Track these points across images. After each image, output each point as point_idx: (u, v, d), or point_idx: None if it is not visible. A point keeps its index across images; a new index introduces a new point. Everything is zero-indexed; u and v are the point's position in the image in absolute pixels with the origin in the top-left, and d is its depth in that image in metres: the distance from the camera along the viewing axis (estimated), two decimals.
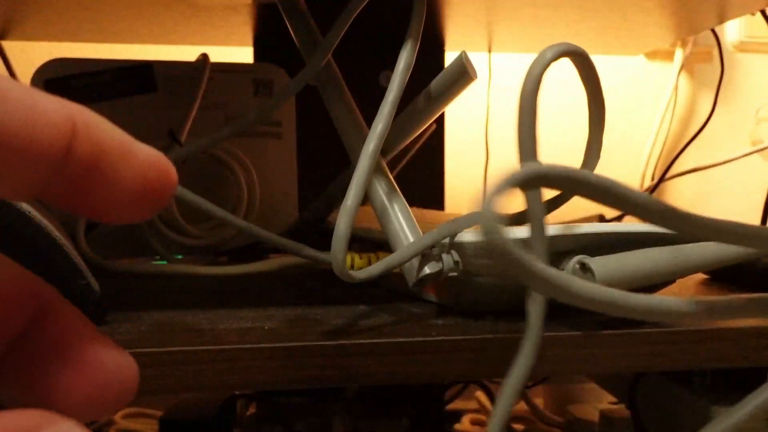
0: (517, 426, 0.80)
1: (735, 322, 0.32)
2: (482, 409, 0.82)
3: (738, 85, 0.96)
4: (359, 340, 0.28)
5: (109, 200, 0.14)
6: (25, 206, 0.28)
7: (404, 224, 0.32)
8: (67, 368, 0.15)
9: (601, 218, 0.77)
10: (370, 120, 0.33)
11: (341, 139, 0.36)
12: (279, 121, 0.58)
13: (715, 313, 0.22)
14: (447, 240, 0.31)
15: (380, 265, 0.28)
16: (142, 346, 0.27)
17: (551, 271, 0.17)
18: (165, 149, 0.51)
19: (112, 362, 0.15)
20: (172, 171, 0.15)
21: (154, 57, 0.57)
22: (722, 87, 0.88)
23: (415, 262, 0.31)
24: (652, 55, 0.93)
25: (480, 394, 0.82)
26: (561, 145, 0.92)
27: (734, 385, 0.41)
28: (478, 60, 0.85)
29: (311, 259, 0.38)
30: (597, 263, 0.29)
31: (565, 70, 0.81)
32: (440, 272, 0.31)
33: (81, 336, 0.15)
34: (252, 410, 0.61)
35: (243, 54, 0.70)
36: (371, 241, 0.37)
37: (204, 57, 0.55)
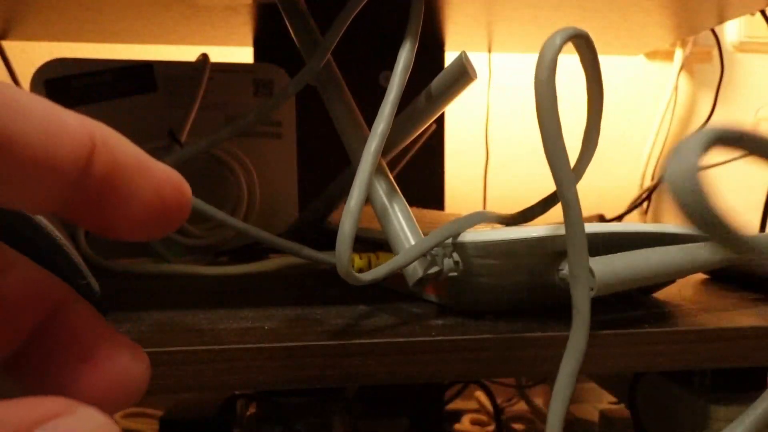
0: (517, 426, 0.80)
1: (735, 322, 0.32)
2: (482, 409, 0.82)
3: (738, 85, 0.96)
4: (359, 340, 0.28)
5: (125, 217, 0.14)
6: None
7: (405, 225, 0.32)
8: (83, 363, 0.15)
9: (601, 218, 0.77)
10: (369, 120, 0.33)
11: (341, 139, 0.36)
12: (279, 121, 0.58)
13: None
14: (449, 240, 0.31)
15: (386, 266, 0.28)
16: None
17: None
18: (165, 149, 0.51)
19: (126, 357, 0.16)
20: (186, 189, 0.15)
21: (154, 57, 0.57)
22: (722, 87, 0.88)
23: (416, 262, 0.31)
24: (652, 55, 0.93)
25: (480, 394, 0.82)
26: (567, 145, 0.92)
27: (734, 385, 0.41)
28: (478, 60, 0.85)
29: (311, 260, 0.38)
30: (597, 263, 0.29)
31: (561, 71, 0.81)
32: (440, 272, 0.31)
33: (96, 332, 0.16)
34: (252, 410, 0.61)
35: (243, 54, 0.70)
36: (371, 240, 0.37)
37: (204, 57, 0.55)
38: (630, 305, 0.35)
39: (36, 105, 0.13)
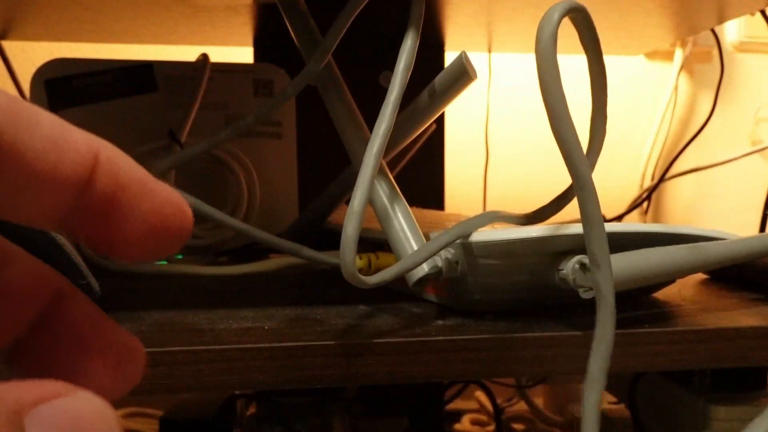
0: (517, 426, 0.80)
1: (735, 322, 0.32)
2: (482, 409, 0.82)
3: (738, 85, 0.96)
4: (359, 340, 0.28)
5: (126, 235, 0.14)
6: None
7: (407, 229, 0.32)
8: (85, 350, 0.16)
9: None
10: (369, 120, 0.33)
11: (341, 139, 0.36)
12: (279, 121, 0.58)
13: None
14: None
15: (393, 269, 0.28)
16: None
17: None
18: (165, 149, 0.51)
19: (125, 344, 0.16)
20: (188, 211, 0.15)
21: (154, 57, 0.57)
22: (722, 87, 0.88)
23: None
24: (652, 55, 0.93)
25: (480, 394, 0.82)
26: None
27: (734, 385, 0.41)
28: (478, 60, 0.85)
29: (311, 260, 0.38)
30: None
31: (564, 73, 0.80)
32: (440, 272, 0.31)
33: (95, 321, 0.16)
34: (252, 410, 0.61)
35: (243, 54, 0.70)
36: (370, 240, 0.37)
37: (204, 57, 0.55)
38: (630, 305, 0.35)
39: (44, 118, 0.13)
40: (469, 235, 0.31)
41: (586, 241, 0.26)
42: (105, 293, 0.31)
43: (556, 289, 0.31)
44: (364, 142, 0.34)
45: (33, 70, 0.53)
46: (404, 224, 0.32)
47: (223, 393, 0.56)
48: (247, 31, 0.64)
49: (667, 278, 0.34)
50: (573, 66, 0.89)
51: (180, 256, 0.52)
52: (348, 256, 0.27)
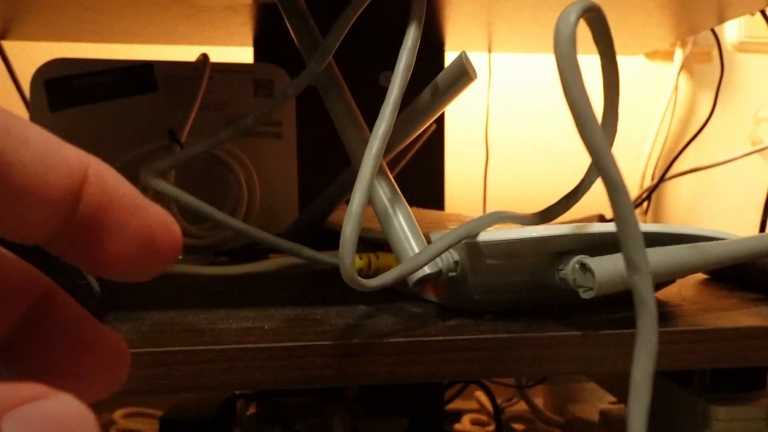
0: (517, 426, 0.80)
1: (735, 322, 0.32)
2: (482, 409, 0.82)
3: (738, 85, 0.96)
4: (359, 340, 0.28)
5: (113, 253, 0.14)
6: None
7: (407, 230, 0.32)
8: (70, 352, 0.16)
9: (601, 218, 0.77)
10: (369, 120, 0.33)
11: (341, 139, 0.36)
12: (279, 121, 0.58)
13: None
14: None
15: (393, 273, 0.28)
16: (142, 346, 0.27)
17: None
18: (165, 149, 0.51)
19: (110, 346, 0.16)
20: (177, 231, 0.15)
21: (154, 57, 0.57)
22: (722, 87, 0.88)
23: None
24: (652, 55, 0.93)
25: (480, 394, 0.82)
26: (567, 145, 0.92)
27: (734, 385, 0.41)
28: (478, 60, 0.85)
29: (311, 260, 0.38)
30: (597, 263, 0.29)
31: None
32: (440, 272, 0.31)
33: (80, 322, 0.16)
34: (252, 410, 0.61)
35: (243, 54, 0.70)
36: (370, 240, 0.37)
37: (204, 57, 0.55)
38: (630, 305, 0.35)
39: (33, 133, 0.13)
40: (475, 236, 0.30)
41: (621, 243, 0.25)
42: (105, 293, 0.31)
43: (556, 289, 0.31)
44: (364, 142, 0.34)
45: (33, 70, 0.53)
46: (405, 226, 0.32)
47: (223, 393, 0.56)
48: (247, 31, 0.64)
49: (667, 278, 0.34)
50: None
51: (180, 256, 0.52)
52: (347, 259, 0.27)
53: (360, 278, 0.27)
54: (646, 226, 0.34)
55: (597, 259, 0.29)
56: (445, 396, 0.70)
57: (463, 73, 0.34)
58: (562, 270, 0.30)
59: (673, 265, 0.31)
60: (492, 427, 0.79)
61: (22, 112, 0.73)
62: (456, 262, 0.31)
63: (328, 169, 0.53)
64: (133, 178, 0.47)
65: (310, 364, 0.28)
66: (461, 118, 0.89)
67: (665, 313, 0.34)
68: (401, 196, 0.33)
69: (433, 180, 0.70)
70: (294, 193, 0.58)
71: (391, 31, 0.62)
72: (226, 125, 0.56)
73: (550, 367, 0.30)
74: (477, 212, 0.88)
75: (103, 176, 0.14)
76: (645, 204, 0.92)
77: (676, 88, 0.93)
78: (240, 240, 0.52)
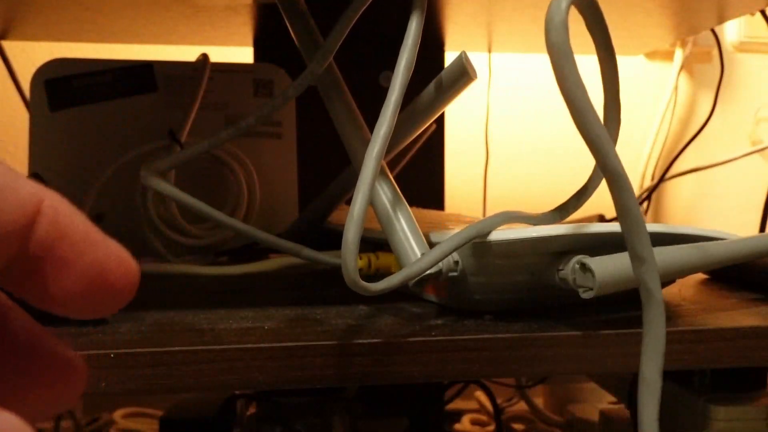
0: (517, 426, 0.80)
1: (735, 322, 0.32)
2: (482, 409, 0.82)
3: (738, 85, 0.96)
4: (359, 340, 0.28)
5: (65, 288, 0.14)
6: None
7: (409, 232, 0.32)
8: (23, 366, 0.15)
9: (601, 218, 0.77)
10: (369, 120, 0.33)
11: (342, 140, 0.36)
12: (279, 121, 0.58)
13: None
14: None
15: (398, 276, 0.28)
16: (142, 346, 0.27)
17: None
18: (165, 149, 0.51)
19: (65, 361, 0.16)
20: (133, 267, 0.15)
21: (154, 57, 0.57)
22: (722, 87, 0.88)
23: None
24: (652, 55, 0.93)
25: (480, 394, 0.82)
26: (568, 145, 0.92)
27: (734, 385, 0.41)
28: (478, 60, 0.85)
29: (311, 260, 0.38)
30: (597, 263, 0.29)
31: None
32: (440, 272, 0.31)
33: (34, 336, 0.16)
34: (252, 410, 0.61)
35: (243, 54, 0.70)
36: (370, 241, 0.37)
37: (204, 57, 0.55)
38: (630, 305, 0.35)
39: None
40: (484, 236, 0.30)
41: (626, 237, 0.25)
42: None
43: (556, 289, 0.31)
44: (365, 142, 0.34)
45: (33, 70, 0.53)
46: (406, 227, 0.32)
47: (223, 393, 0.56)
48: (247, 31, 0.64)
49: (668, 278, 0.34)
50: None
51: (180, 256, 0.52)
52: (350, 264, 0.26)
53: (363, 283, 0.27)
54: (647, 226, 0.34)
55: (597, 259, 0.29)
56: (445, 396, 0.70)
57: (463, 73, 0.34)
58: (562, 270, 0.30)
59: (674, 265, 0.31)
60: (492, 427, 0.79)
61: (22, 112, 0.73)
62: (456, 262, 0.31)
63: (328, 169, 0.53)
64: (133, 178, 0.48)
65: (310, 364, 0.28)
66: (461, 118, 0.89)
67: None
68: (402, 197, 0.33)
69: (433, 180, 0.70)
70: (294, 193, 0.58)
71: (391, 31, 0.62)
72: (226, 125, 0.56)
73: (550, 367, 0.30)
74: (477, 212, 0.88)
75: (58, 209, 0.14)
76: (645, 204, 0.92)
77: (676, 88, 0.93)
78: (240, 240, 0.52)
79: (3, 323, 0.15)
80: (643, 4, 0.54)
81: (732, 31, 0.93)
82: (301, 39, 0.37)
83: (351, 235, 0.27)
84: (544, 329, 0.30)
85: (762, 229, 0.75)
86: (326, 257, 0.38)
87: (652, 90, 0.94)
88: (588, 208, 0.76)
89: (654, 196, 0.94)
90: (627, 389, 0.46)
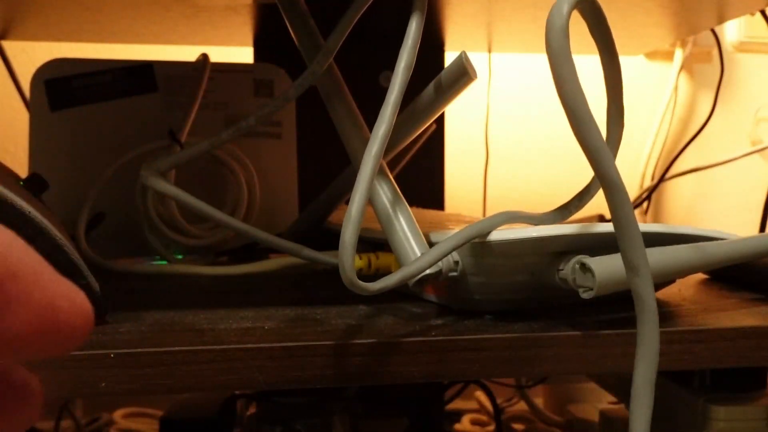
0: (517, 426, 0.80)
1: (735, 322, 0.32)
2: (482, 409, 0.82)
3: (738, 85, 0.96)
4: (359, 340, 0.28)
5: (13, 329, 0.13)
6: (26, 206, 0.28)
7: (408, 232, 0.32)
8: None
9: (601, 218, 0.77)
10: (369, 120, 0.33)
11: (342, 140, 0.36)
12: (279, 121, 0.58)
13: None
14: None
15: (396, 276, 0.28)
16: (142, 346, 0.27)
17: None
18: (165, 149, 0.51)
19: (17, 383, 0.15)
20: (87, 309, 0.15)
21: (154, 57, 0.57)
22: (722, 87, 0.88)
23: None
24: (652, 55, 0.93)
25: (480, 394, 0.82)
26: (567, 145, 0.92)
27: (734, 385, 0.41)
28: (478, 60, 0.85)
29: (311, 260, 0.38)
30: (597, 263, 0.29)
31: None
32: (440, 272, 0.31)
33: None
34: (252, 410, 0.61)
35: (243, 54, 0.70)
36: (370, 241, 0.37)
37: (204, 57, 0.55)
38: (630, 305, 0.35)
39: None
40: (484, 236, 0.30)
41: (620, 244, 0.25)
42: (105, 293, 0.31)
43: (556, 289, 0.31)
44: (364, 142, 0.34)
45: (33, 70, 0.53)
46: (406, 227, 0.32)
47: (223, 393, 0.56)
48: (247, 31, 0.64)
49: (667, 278, 0.34)
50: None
51: (180, 256, 0.52)
52: (347, 263, 0.26)
53: (361, 282, 0.27)
54: (646, 226, 0.34)
55: (597, 259, 0.29)
56: (445, 396, 0.70)
57: (463, 73, 0.34)
58: (562, 270, 0.30)
59: (673, 265, 0.31)
60: (492, 427, 0.79)
61: (22, 112, 0.73)
62: (456, 262, 0.31)
63: (328, 169, 0.53)
64: (133, 178, 0.48)
65: (310, 364, 0.28)
66: (461, 118, 0.89)
67: (665, 313, 0.34)
68: (402, 197, 0.33)
69: (433, 180, 0.70)
70: (294, 193, 0.58)
71: (391, 31, 0.62)
72: (226, 125, 0.56)
73: (550, 367, 0.30)
74: (477, 212, 0.88)
75: (9, 247, 0.13)
76: (645, 204, 0.92)
77: (676, 88, 0.93)
78: (240, 240, 0.52)
79: None
80: (643, 4, 0.54)
81: (732, 31, 0.93)
82: (301, 39, 0.37)
83: (348, 235, 0.27)
84: (544, 329, 0.30)
85: (762, 229, 0.75)
86: (326, 257, 0.38)
87: (652, 90, 0.94)
88: (588, 208, 0.76)
89: (654, 196, 0.94)
90: (627, 389, 0.46)
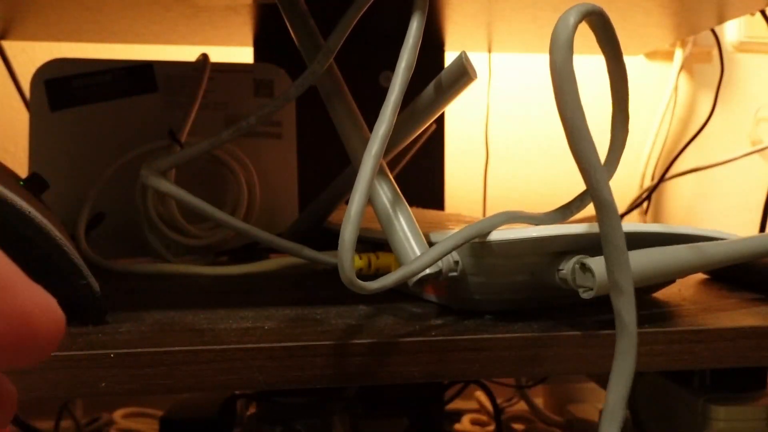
0: (517, 426, 0.80)
1: (735, 322, 0.32)
2: (482, 409, 0.82)
3: (738, 85, 0.96)
4: (359, 340, 0.28)
5: None
6: (26, 206, 0.28)
7: (408, 232, 0.32)
8: None
9: None
10: (369, 120, 0.33)
11: (342, 140, 0.36)
12: (279, 121, 0.58)
13: None
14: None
15: (394, 275, 0.28)
16: (142, 346, 0.27)
17: None
18: (165, 149, 0.51)
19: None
20: (59, 316, 0.14)
21: (154, 57, 0.57)
22: (722, 87, 0.88)
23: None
24: (652, 55, 0.93)
25: (480, 394, 0.82)
26: (567, 145, 0.92)
27: (734, 385, 0.41)
28: (478, 60, 0.85)
29: (311, 260, 0.38)
30: (597, 263, 0.29)
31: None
32: (440, 272, 0.31)
33: None
34: (252, 410, 0.61)
35: (243, 54, 0.70)
36: (370, 241, 0.37)
37: (204, 57, 0.55)
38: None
39: None
40: (483, 236, 0.30)
41: (608, 267, 0.25)
42: (105, 293, 0.31)
43: (556, 289, 0.31)
44: (364, 142, 0.34)
45: (33, 70, 0.53)
46: (406, 227, 0.32)
47: (223, 393, 0.56)
48: (247, 31, 0.64)
49: (667, 278, 0.34)
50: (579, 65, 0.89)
51: (180, 256, 0.52)
52: (346, 263, 0.26)
53: (360, 281, 0.27)
54: (646, 226, 0.34)
55: (597, 259, 0.29)
56: (445, 396, 0.70)
57: (463, 73, 0.34)
58: (562, 270, 0.30)
59: (673, 266, 0.31)
60: (492, 427, 0.79)
61: (22, 112, 0.73)
62: (456, 262, 0.31)
63: (328, 169, 0.53)
64: (133, 178, 0.48)
65: (310, 364, 0.28)
66: (461, 118, 0.89)
67: (665, 313, 0.34)
68: (402, 197, 0.33)
69: (433, 180, 0.70)
70: (294, 193, 0.58)
71: (392, 31, 0.62)
72: (226, 125, 0.56)
73: (550, 367, 0.30)
74: (477, 212, 0.88)
75: None
76: (645, 204, 0.92)
77: (676, 88, 0.93)
78: (240, 240, 0.52)
79: None
80: (643, 4, 0.54)
81: (732, 31, 0.93)
82: (301, 39, 0.37)
83: (348, 234, 0.27)
84: (544, 329, 0.30)
85: (762, 229, 0.75)
86: (326, 257, 0.38)
87: (652, 90, 0.94)
88: (588, 208, 0.76)
89: (654, 196, 0.94)
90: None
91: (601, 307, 0.34)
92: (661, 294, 0.39)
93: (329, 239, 0.44)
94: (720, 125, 0.94)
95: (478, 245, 0.31)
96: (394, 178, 0.35)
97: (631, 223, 0.34)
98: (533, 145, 0.92)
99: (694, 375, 0.41)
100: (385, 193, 0.33)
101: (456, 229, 0.31)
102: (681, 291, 0.40)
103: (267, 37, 0.66)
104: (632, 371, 0.25)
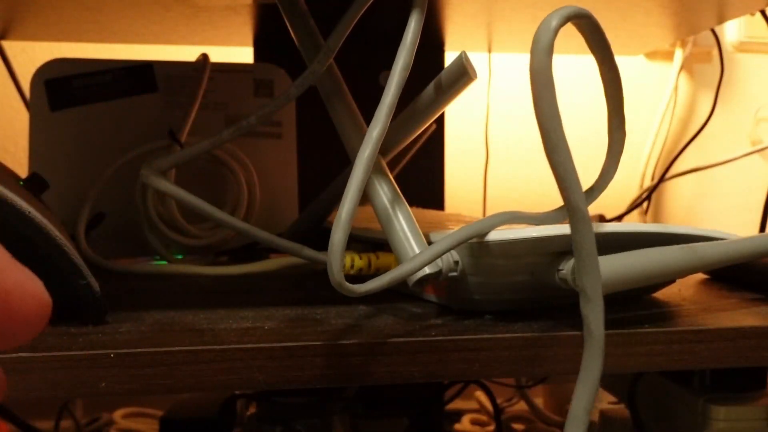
0: (517, 426, 0.80)
1: (735, 322, 0.32)
2: (482, 409, 0.82)
3: (738, 85, 0.96)
4: (359, 340, 0.28)
5: None
6: (26, 206, 0.28)
7: (408, 231, 0.32)
8: None
9: (602, 218, 0.77)
10: (369, 120, 0.33)
11: (342, 140, 0.36)
12: (279, 121, 0.58)
13: None
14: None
15: (386, 277, 0.28)
16: (142, 346, 0.27)
17: None
18: (165, 149, 0.51)
19: None
20: (43, 298, 0.14)
21: (154, 57, 0.57)
22: (722, 87, 0.88)
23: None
24: (652, 55, 0.93)
25: (480, 394, 0.82)
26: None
27: (734, 385, 0.41)
28: (478, 60, 0.85)
29: (311, 260, 0.38)
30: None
31: (572, 71, 0.80)
32: (440, 272, 0.31)
33: None
34: (252, 410, 0.61)
35: (243, 54, 0.70)
36: (371, 241, 0.37)
37: (204, 57, 0.55)
38: (630, 305, 0.35)
39: None
40: (481, 236, 0.30)
41: (577, 273, 0.26)
42: (105, 293, 0.31)
43: (556, 289, 0.31)
44: None
45: (33, 70, 0.53)
46: (405, 226, 0.32)
47: (223, 393, 0.56)
48: (247, 31, 0.64)
49: (666, 279, 0.34)
50: (576, 65, 0.89)
51: (180, 256, 0.52)
52: (335, 266, 0.26)
53: (348, 285, 0.27)
54: (646, 226, 0.34)
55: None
56: (445, 396, 0.70)
57: (463, 73, 0.34)
58: (562, 270, 0.30)
59: (672, 266, 0.31)
60: (492, 427, 0.79)
61: (22, 112, 0.73)
62: (456, 262, 0.31)
63: (328, 169, 0.53)
64: (133, 178, 0.48)
65: (310, 364, 0.28)
66: (461, 118, 0.89)
67: (665, 313, 0.34)
68: (401, 196, 0.33)
69: (433, 180, 0.70)
70: (294, 193, 0.58)
71: (391, 31, 0.62)
72: (226, 125, 0.56)
73: (550, 367, 0.30)
74: (477, 212, 0.88)
75: None
76: (645, 204, 0.92)
77: (676, 88, 0.93)
78: (240, 240, 0.52)
79: None
80: (643, 4, 0.54)
81: (732, 31, 0.93)
82: (301, 39, 0.37)
83: (337, 237, 0.27)
84: (544, 329, 0.30)
85: (762, 229, 0.75)
86: (326, 257, 0.38)
87: (652, 90, 0.94)
88: (589, 208, 0.76)
89: (654, 196, 0.94)
90: (627, 389, 0.46)
91: None
92: (661, 294, 0.39)
93: (329, 239, 0.44)
94: (720, 125, 0.94)
95: (477, 245, 0.31)
96: (394, 178, 0.35)
97: (631, 223, 0.34)
98: (533, 145, 0.92)
99: (694, 375, 0.41)
100: (384, 193, 0.33)
101: (455, 229, 0.31)
102: (681, 291, 0.40)
103: (267, 37, 0.66)
104: (597, 379, 0.25)
